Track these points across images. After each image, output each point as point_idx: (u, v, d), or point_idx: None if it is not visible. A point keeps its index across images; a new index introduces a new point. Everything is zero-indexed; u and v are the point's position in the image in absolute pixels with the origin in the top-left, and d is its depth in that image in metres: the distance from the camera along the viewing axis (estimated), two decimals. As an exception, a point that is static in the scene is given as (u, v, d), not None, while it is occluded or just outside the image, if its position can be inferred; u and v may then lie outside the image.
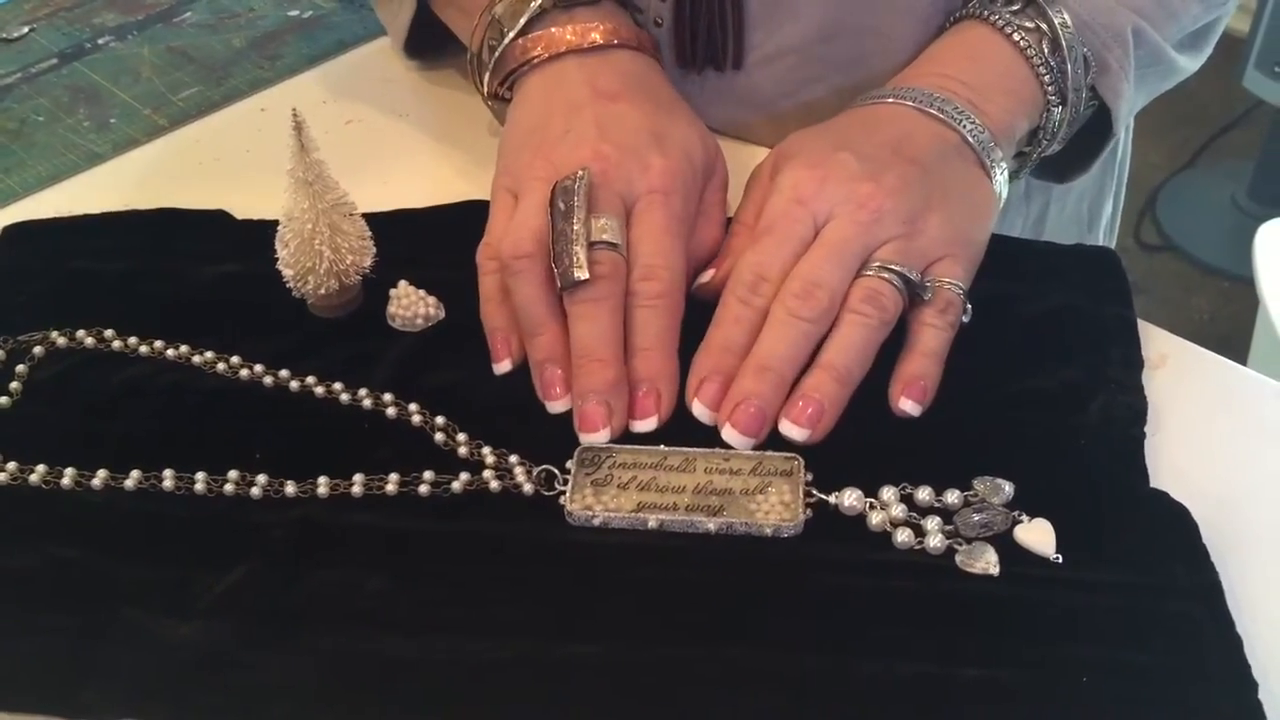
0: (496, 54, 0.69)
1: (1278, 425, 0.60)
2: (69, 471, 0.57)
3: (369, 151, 0.78)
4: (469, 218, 0.66)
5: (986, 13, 0.68)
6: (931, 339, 0.60)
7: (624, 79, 0.67)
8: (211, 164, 0.79)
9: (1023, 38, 0.66)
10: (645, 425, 0.58)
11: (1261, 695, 0.47)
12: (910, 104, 0.65)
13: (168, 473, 0.57)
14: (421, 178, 0.76)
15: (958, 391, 0.59)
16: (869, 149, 0.63)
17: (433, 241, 0.69)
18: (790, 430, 0.57)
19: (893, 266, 0.59)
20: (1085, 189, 0.87)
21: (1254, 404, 0.61)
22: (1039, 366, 0.61)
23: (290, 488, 0.56)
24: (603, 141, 0.63)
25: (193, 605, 0.52)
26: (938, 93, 0.65)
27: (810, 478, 0.55)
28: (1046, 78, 0.66)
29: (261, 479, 0.56)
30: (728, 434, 0.57)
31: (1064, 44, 0.66)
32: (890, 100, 0.66)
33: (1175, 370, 0.62)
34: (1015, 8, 0.67)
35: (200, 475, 0.56)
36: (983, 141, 0.64)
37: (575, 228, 0.58)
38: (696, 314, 0.61)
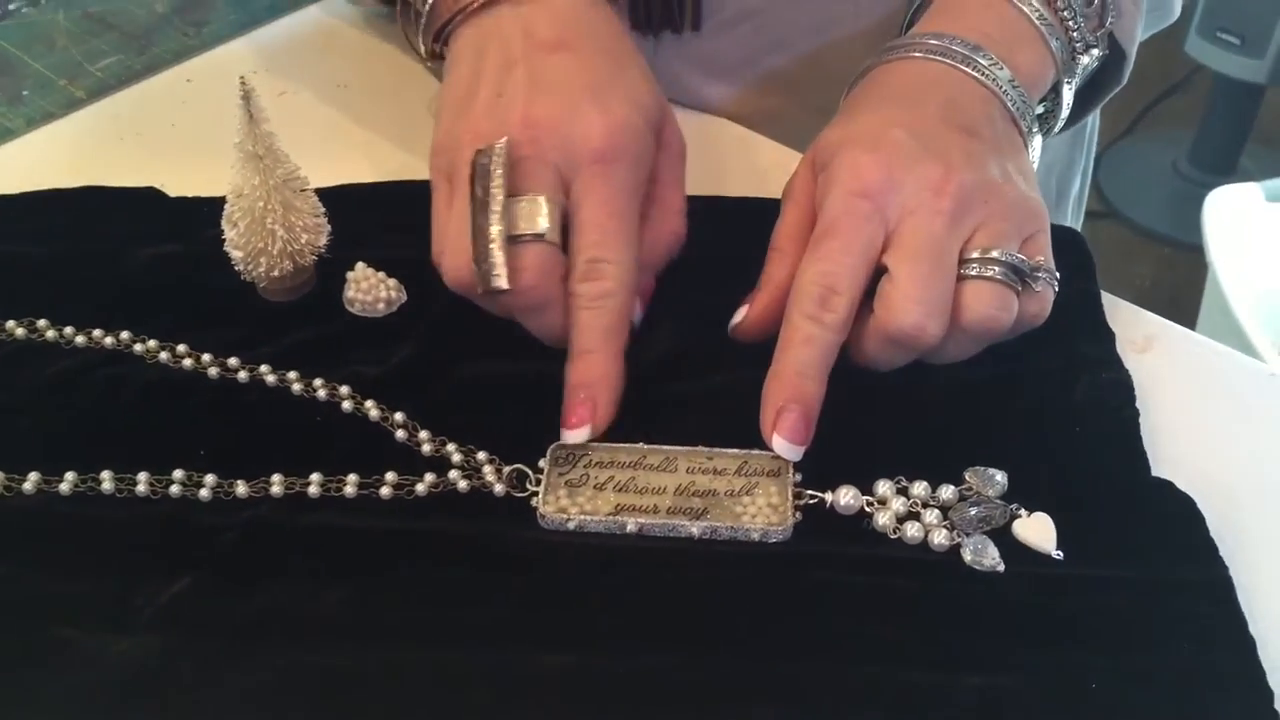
0: (429, 4, 0.63)
1: (1272, 410, 0.58)
2: (-4, 475, 0.53)
3: (306, 125, 0.74)
4: (422, 194, 0.61)
5: None
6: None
7: (564, 25, 0.59)
8: (134, 139, 0.75)
9: None
10: (576, 436, 0.53)
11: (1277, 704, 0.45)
12: (943, 60, 0.58)
13: (106, 474, 0.52)
14: (365, 152, 0.73)
15: (930, 377, 0.56)
16: (917, 123, 0.55)
17: (385, 219, 0.65)
18: None
19: (998, 257, 0.52)
20: (1054, 162, 0.85)
21: (1248, 388, 0.59)
22: (1010, 347, 0.56)
23: (241, 488, 0.52)
24: (533, 105, 0.56)
25: (132, 619, 0.48)
26: (969, 40, 0.58)
27: (799, 478, 0.52)
28: (1070, 23, 0.60)
29: (210, 479, 0.52)
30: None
31: None
32: (919, 56, 0.58)
33: (1162, 353, 0.60)
34: None
35: (142, 476, 0.52)
36: (1019, 105, 0.58)
37: (492, 222, 0.52)
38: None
